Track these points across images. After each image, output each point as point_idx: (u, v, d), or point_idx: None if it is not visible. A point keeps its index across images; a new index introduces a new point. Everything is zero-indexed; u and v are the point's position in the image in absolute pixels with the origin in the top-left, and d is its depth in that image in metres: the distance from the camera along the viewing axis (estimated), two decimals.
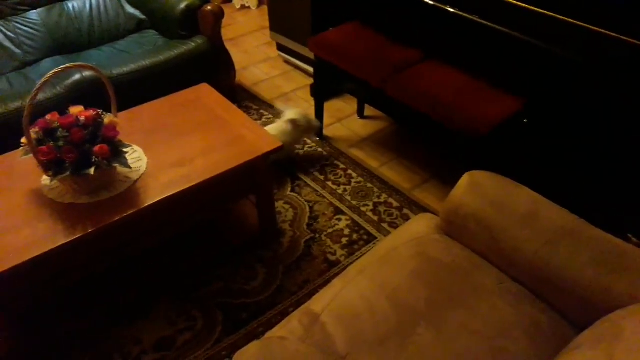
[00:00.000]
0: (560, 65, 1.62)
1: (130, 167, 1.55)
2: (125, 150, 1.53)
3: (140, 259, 1.90)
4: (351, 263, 1.70)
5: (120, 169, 1.58)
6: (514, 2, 1.74)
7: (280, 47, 3.23)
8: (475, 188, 1.32)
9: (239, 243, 1.98)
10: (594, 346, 0.87)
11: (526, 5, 1.72)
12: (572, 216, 1.20)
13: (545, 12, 1.68)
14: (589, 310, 1.06)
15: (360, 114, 2.79)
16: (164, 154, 1.69)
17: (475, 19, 1.75)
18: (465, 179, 1.36)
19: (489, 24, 1.72)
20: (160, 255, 1.91)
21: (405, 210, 2.16)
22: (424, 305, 1.15)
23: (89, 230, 1.40)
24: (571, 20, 1.63)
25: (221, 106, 1.92)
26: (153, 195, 1.53)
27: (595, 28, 1.58)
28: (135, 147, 1.72)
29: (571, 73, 1.60)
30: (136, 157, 1.68)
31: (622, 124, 1.63)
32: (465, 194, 1.32)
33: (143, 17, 2.71)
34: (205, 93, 2.01)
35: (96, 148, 1.43)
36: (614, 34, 1.54)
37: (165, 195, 1.53)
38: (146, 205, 1.50)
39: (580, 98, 1.66)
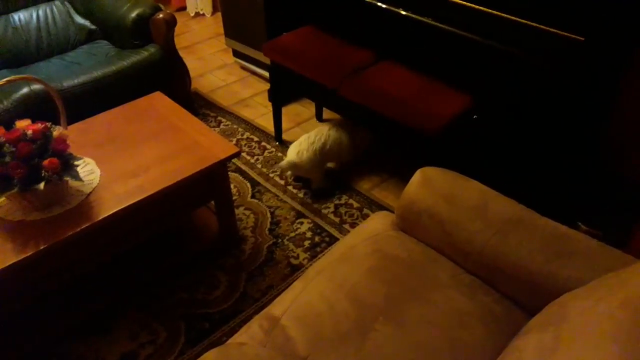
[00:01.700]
0: (502, 60, 1.67)
1: (82, 180, 1.52)
2: (76, 163, 1.49)
3: (98, 273, 1.85)
4: None
5: (72, 182, 1.54)
6: (460, 2, 1.79)
7: (236, 53, 3.22)
8: (428, 184, 1.34)
9: (200, 252, 1.96)
10: (542, 329, 0.90)
11: (471, 5, 1.77)
12: (519, 206, 1.24)
13: (488, 10, 1.73)
14: (539, 295, 1.10)
15: (319, 117, 2.80)
16: (118, 165, 1.66)
17: (426, 20, 1.79)
18: (417, 176, 1.38)
19: (438, 24, 1.76)
20: (119, 268, 1.87)
21: (366, 210, 2.18)
22: (382, 301, 1.17)
23: (41, 247, 1.36)
24: (510, 17, 1.69)
25: (176, 114, 1.90)
26: (107, 207, 1.50)
27: (533, 23, 1.64)
28: (88, 160, 1.68)
29: (513, 68, 1.65)
30: (89, 170, 1.64)
31: (564, 115, 1.69)
32: (418, 190, 1.35)
33: (94, 27, 2.66)
34: (159, 101, 1.99)
35: (45, 162, 1.39)
36: (552, 29, 1.60)
37: (120, 207, 1.50)
38: (100, 218, 1.47)
39: (524, 92, 1.72)
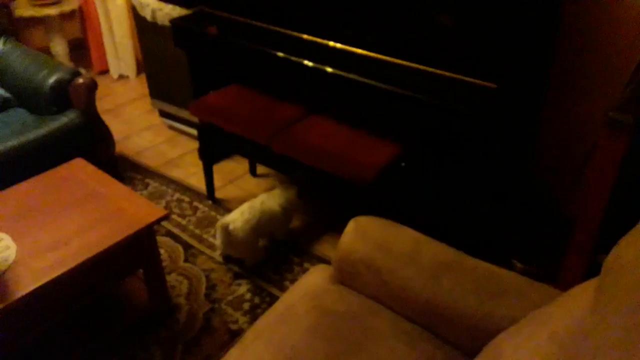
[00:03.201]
0: (425, 109, 1.75)
1: None
2: None
3: (21, 354, 1.69)
4: None
5: None
6: (384, 58, 1.88)
7: (163, 113, 3.18)
8: (361, 233, 1.34)
9: (131, 325, 1.83)
10: None
11: (394, 60, 1.86)
12: (451, 249, 1.26)
13: (410, 64, 1.83)
14: (477, 337, 1.10)
15: (253, 172, 2.79)
16: (36, 238, 1.56)
17: (351, 76, 1.86)
18: (351, 226, 1.38)
19: (364, 80, 1.83)
20: (41, 351, 1.71)
21: (306, 265, 2.14)
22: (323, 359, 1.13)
23: None
24: (428, 69, 1.79)
25: (98, 180, 1.82)
26: (25, 285, 1.39)
27: (451, 74, 1.74)
28: (2, 235, 1.57)
29: (435, 116, 1.73)
30: (3, 246, 1.53)
31: (488, 158, 1.78)
32: (352, 240, 1.34)
33: (8, 95, 2.54)
34: (80, 168, 1.90)
35: None
36: (467, 78, 1.71)
37: (38, 284, 1.40)
38: (16, 297, 1.36)
39: (448, 138, 1.79)
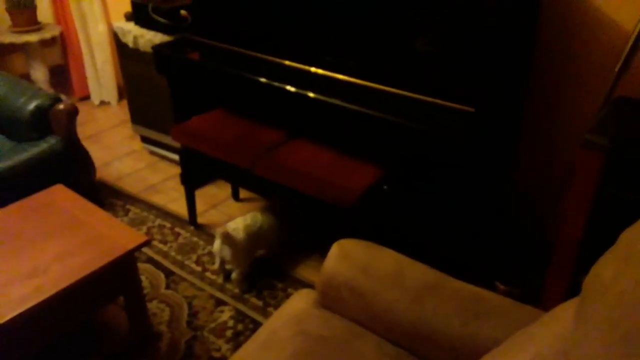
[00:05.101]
0: (406, 132, 1.77)
1: None
2: None
3: None
4: None
5: None
6: (365, 83, 1.91)
7: (144, 139, 3.16)
8: (344, 256, 1.34)
9: (111, 353, 1.79)
10: None
11: (375, 85, 1.89)
12: (433, 271, 1.27)
13: (390, 89, 1.86)
14: (461, 359, 1.10)
15: (236, 197, 2.78)
16: (13, 266, 1.53)
17: (334, 101, 1.89)
18: (334, 249, 1.38)
19: (346, 105, 1.86)
20: None
21: (290, 290, 2.13)
22: None
23: None
24: (408, 94, 1.82)
25: (78, 207, 1.80)
26: (2, 313, 1.36)
27: (430, 98, 1.77)
28: None
29: (416, 139, 1.76)
30: None
31: (468, 180, 1.80)
32: (336, 263, 1.34)
33: None
34: (59, 195, 1.87)
35: None
36: (446, 103, 1.74)
37: (15, 313, 1.36)
38: None
39: (429, 160, 1.82)
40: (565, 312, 0.83)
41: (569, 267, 1.66)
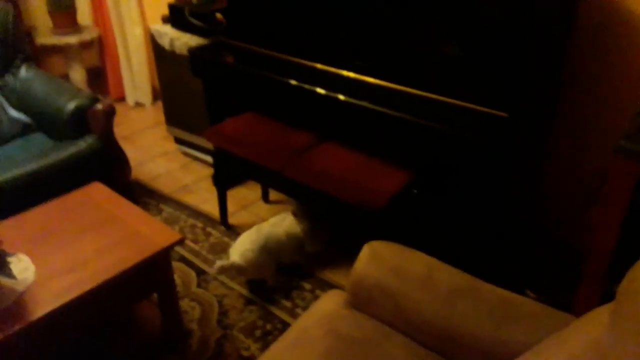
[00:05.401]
0: (437, 137, 1.78)
1: (15, 278, 1.43)
2: (9, 260, 1.43)
3: None
4: None
5: (4, 281, 1.45)
6: (395, 87, 1.92)
7: (178, 140, 3.24)
8: (375, 258, 1.36)
9: (143, 349, 1.84)
10: None
11: (405, 89, 1.90)
12: (465, 275, 1.27)
13: (422, 93, 1.87)
14: None
15: (265, 198, 2.81)
16: (54, 260, 1.59)
17: (364, 104, 1.90)
18: (365, 251, 1.39)
19: (377, 107, 1.87)
20: None
21: (318, 292, 2.15)
22: None
23: None
24: (441, 98, 1.82)
25: (115, 204, 1.85)
26: (43, 306, 1.41)
27: (462, 103, 1.77)
28: (21, 256, 1.59)
29: (447, 143, 1.76)
30: (23, 267, 1.55)
31: (497, 186, 1.79)
32: (367, 265, 1.35)
33: (28, 120, 2.61)
34: (97, 192, 1.94)
35: None
36: (479, 107, 1.74)
37: (57, 305, 1.42)
38: (35, 318, 1.38)
39: (459, 165, 1.82)
40: (598, 317, 0.82)
41: (601, 277, 1.63)
